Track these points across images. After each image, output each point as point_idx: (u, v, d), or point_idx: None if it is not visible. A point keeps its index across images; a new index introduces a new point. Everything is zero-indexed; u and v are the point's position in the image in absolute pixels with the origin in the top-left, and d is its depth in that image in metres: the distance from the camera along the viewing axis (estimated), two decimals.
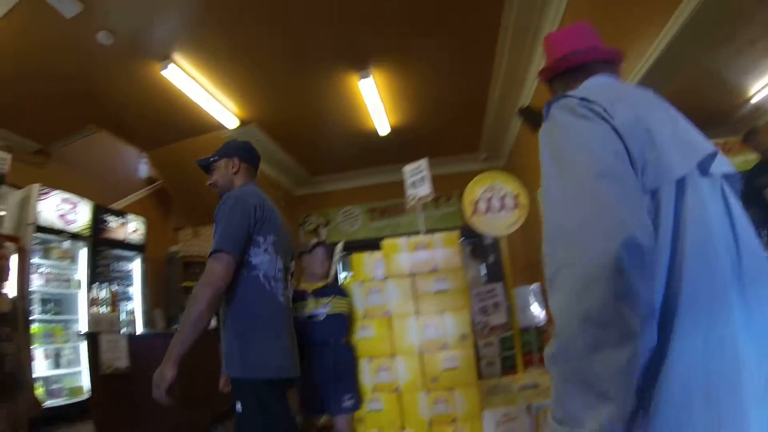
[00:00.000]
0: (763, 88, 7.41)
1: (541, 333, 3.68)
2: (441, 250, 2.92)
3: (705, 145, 0.96)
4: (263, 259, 2.02)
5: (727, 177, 0.97)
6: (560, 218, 0.87)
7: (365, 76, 5.45)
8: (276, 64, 5.27)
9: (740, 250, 0.87)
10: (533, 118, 5.18)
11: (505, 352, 3.62)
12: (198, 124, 6.31)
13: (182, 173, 7.22)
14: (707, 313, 0.79)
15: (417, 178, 3.47)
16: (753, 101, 7.94)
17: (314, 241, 3.04)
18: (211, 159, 2.30)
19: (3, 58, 4.63)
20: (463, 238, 4.04)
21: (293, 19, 4.54)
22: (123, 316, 4.92)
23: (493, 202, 3.34)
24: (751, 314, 0.82)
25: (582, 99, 0.96)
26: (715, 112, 8.61)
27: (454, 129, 7.27)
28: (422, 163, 3.47)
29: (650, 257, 0.79)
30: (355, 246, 8.48)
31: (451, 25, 4.85)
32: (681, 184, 0.87)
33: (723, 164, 0.96)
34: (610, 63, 1.28)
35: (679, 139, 0.94)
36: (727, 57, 6.24)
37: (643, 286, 0.76)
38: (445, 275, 2.86)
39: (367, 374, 2.86)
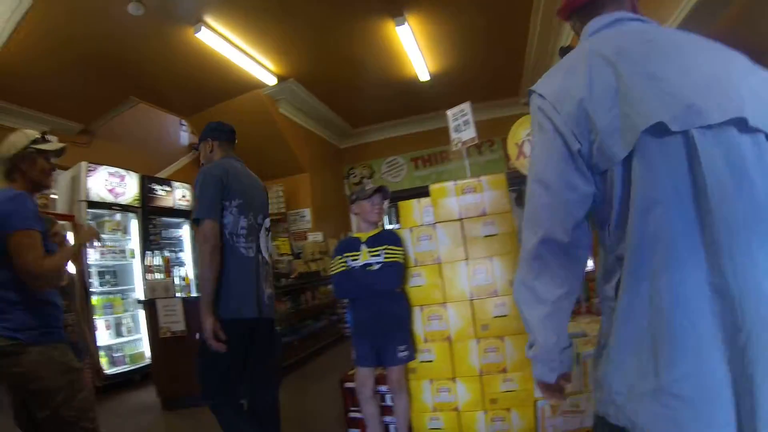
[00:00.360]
0: None
1: (588, 281, 3.56)
2: (489, 192, 2.81)
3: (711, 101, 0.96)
4: (229, 219, 2.45)
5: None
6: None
7: (401, 23, 5.29)
8: (309, 15, 5.14)
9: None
10: None
11: None
12: (236, 85, 6.30)
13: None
14: (648, 265, 0.93)
15: (461, 122, 3.35)
16: None
17: (371, 186, 2.96)
18: (195, 146, 2.73)
19: (39, 45, 4.70)
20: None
21: None
22: (177, 281, 5.05)
23: None
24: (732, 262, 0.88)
25: (539, 96, 1.11)
26: None
27: (493, 73, 7.02)
28: (465, 107, 3.34)
29: (573, 247, 1.06)
30: (401, 196, 8.61)
31: None
32: (631, 155, 0.97)
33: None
34: None
35: (662, 97, 0.96)
36: None
37: (559, 267, 1.07)
38: (493, 219, 2.77)
39: (419, 323, 2.83)
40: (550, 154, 1.07)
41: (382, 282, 2.74)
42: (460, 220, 2.83)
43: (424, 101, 7.65)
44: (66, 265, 2.09)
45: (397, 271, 2.76)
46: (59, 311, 2.11)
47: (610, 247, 1.05)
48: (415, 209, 2.97)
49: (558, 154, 1.05)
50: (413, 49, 5.90)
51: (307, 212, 7.84)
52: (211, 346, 2.23)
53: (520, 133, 3.20)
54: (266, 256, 2.64)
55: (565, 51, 5.13)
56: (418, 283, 2.85)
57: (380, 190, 2.93)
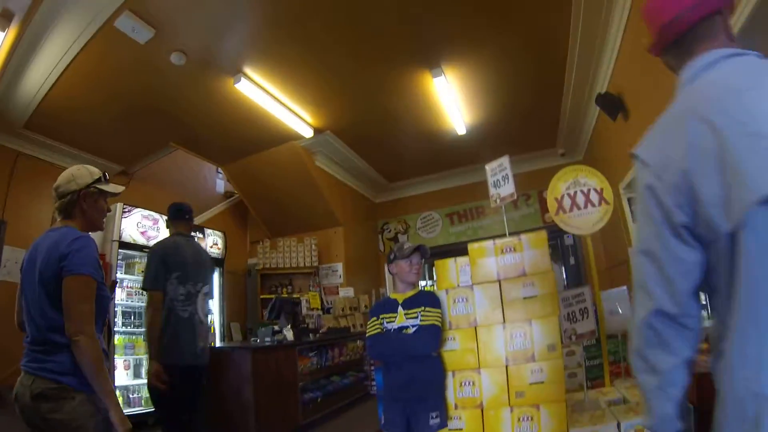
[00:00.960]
0: None
1: (627, 341, 3.33)
2: (529, 251, 2.67)
3: None
4: (170, 287, 3.21)
5: None
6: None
7: (438, 74, 5.29)
8: (346, 68, 5.22)
9: None
10: (612, 105, 4.86)
11: (588, 362, 3.30)
12: (272, 135, 6.41)
13: (258, 185, 7.38)
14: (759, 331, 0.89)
15: (499, 177, 3.25)
16: None
17: (410, 245, 2.87)
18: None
19: (85, 87, 4.88)
20: None
21: (360, 21, 4.48)
22: None
23: (578, 199, 3.05)
24: None
25: (641, 163, 1.10)
26: None
27: (529, 125, 6.97)
28: (504, 161, 3.25)
29: (682, 317, 1.05)
30: (436, 252, 8.45)
31: (520, 18, 4.63)
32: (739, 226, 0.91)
33: None
34: (723, 12, 1.13)
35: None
36: None
37: (672, 337, 1.06)
38: (533, 280, 2.61)
39: (451, 389, 2.65)
40: (654, 226, 1.06)
41: (418, 346, 2.61)
42: (499, 281, 2.68)
43: (460, 155, 7.62)
44: (95, 374, 1.84)
45: (434, 335, 2.62)
46: (105, 358, 1.96)
47: (721, 315, 1.02)
48: (452, 269, 2.84)
49: (662, 225, 1.04)
50: (450, 101, 5.90)
51: (340, 266, 7.76)
52: (156, 386, 3.02)
53: (560, 186, 3.07)
54: (202, 316, 3.37)
55: (602, 98, 5.06)
56: (452, 347, 2.68)
57: (419, 249, 2.84)
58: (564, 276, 7.00)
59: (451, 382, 2.65)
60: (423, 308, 2.66)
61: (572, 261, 7.03)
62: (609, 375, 3.14)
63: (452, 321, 2.72)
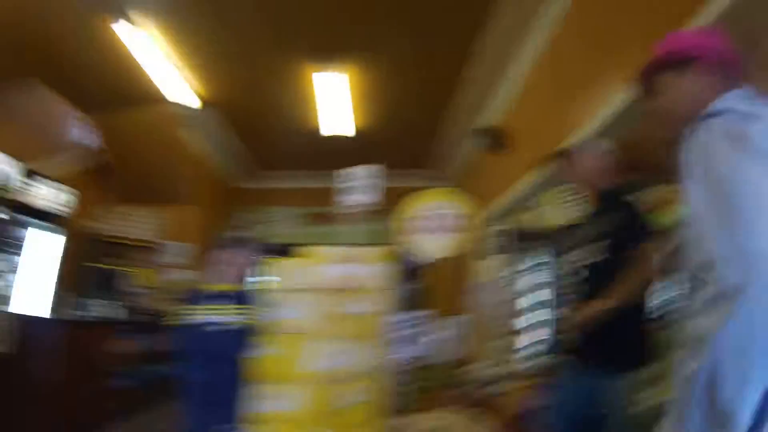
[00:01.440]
0: None
1: (452, 368, 3.35)
2: (370, 266, 2.53)
3: None
4: None
5: None
6: None
7: (333, 71, 5.13)
8: (245, 45, 4.83)
9: None
10: (492, 137, 4.98)
11: (416, 385, 3.24)
12: (146, 94, 5.65)
13: (122, 145, 6.51)
14: None
15: (366, 184, 3.08)
16: None
17: (242, 235, 2.60)
18: None
19: None
20: None
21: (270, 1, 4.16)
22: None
23: (433, 222, 2.97)
24: None
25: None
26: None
27: (406, 142, 6.96)
28: (376, 169, 3.09)
29: None
30: (282, 251, 7.96)
31: (427, 34, 4.58)
32: None
33: None
34: None
35: None
36: None
37: None
38: (368, 296, 2.47)
39: (260, 399, 2.40)
40: None
41: (227, 346, 2.37)
42: (333, 290, 2.49)
43: (332, 157, 7.39)
44: None
45: (246, 336, 2.36)
46: None
47: None
48: (286, 270, 2.62)
49: None
50: (337, 101, 5.73)
51: (186, 247, 7.14)
52: None
53: (417, 207, 2.98)
54: None
55: (483, 130, 5.16)
56: (269, 353, 2.44)
57: (249, 240, 2.58)
58: (404, 297, 7.07)
59: (258, 393, 2.40)
60: (240, 306, 2.44)
61: (415, 284, 7.16)
62: (432, 400, 3.10)
63: (273, 325, 2.48)
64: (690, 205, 1.07)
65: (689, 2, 2.24)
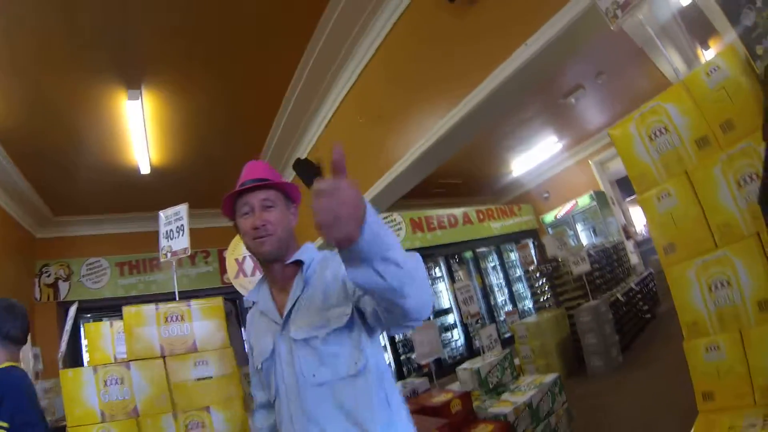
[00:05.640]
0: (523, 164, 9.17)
1: None
2: (200, 322, 2.23)
3: None
4: None
5: None
6: None
7: (135, 97, 4.43)
8: (32, 60, 3.92)
9: None
10: (310, 171, 4.88)
11: None
12: None
13: None
14: None
15: (174, 228, 2.75)
16: (513, 174, 9.51)
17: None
18: None
19: None
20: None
21: (71, 7, 3.44)
22: None
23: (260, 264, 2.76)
24: None
25: None
26: (486, 183, 9.92)
27: (218, 177, 6.45)
28: (181, 210, 2.78)
29: None
30: (102, 306, 6.81)
31: (242, 62, 4.32)
32: None
33: None
34: None
35: None
36: (502, 134, 7.13)
37: None
38: (207, 357, 2.17)
39: None
40: None
41: None
42: (163, 357, 2.15)
43: (141, 197, 6.57)
44: None
45: None
46: None
47: None
48: (106, 336, 2.20)
49: None
50: (140, 131, 5.04)
51: None
52: None
53: (241, 248, 2.72)
54: None
55: (301, 164, 5.05)
56: None
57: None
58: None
59: None
60: None
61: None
62: None
63: (105, 411, 2.06)
64: None
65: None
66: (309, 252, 1.46)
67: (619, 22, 2.02)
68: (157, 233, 2.85)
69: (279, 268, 1.43)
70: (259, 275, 2.62)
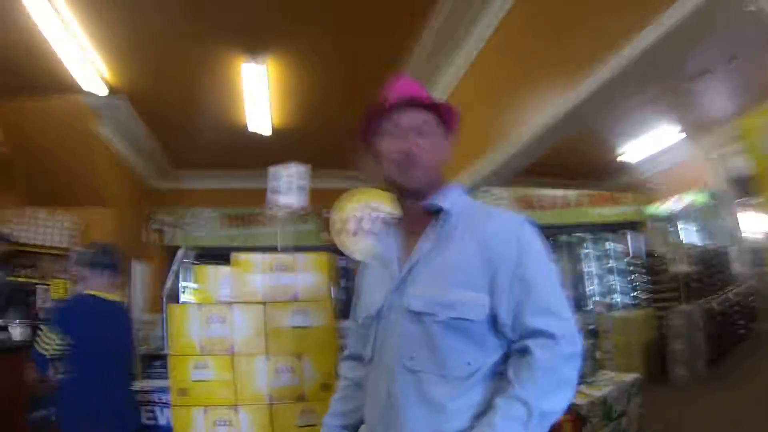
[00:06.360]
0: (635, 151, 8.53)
1: None
2: (304, 274, 2.41)
3: None
4: None
5: None
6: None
7: (258, 63, 4.70)
8: (164, 26, 4.28)
9: None
10: None
11: None
12: (54, 80, 4.86)
13: (27, 139, 5.66)
14: None
15: (294, 186, 2.91)
16: (620, 159, 8.97)
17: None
18: None
19: None
20: None
21: None
22: None
23: (365, 222, 2.86)
24: None
25: None
26: (592, 167, 9.48)
27: (326, 142, 6.61)
28: (303, 170, 2.93)
29: None
30: (204, 255, 7.39)
31: (365, 27, 4.39)
32: None
33: None
34: None
35: None
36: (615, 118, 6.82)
37: None
38: (307, 307, 2.35)
39: (202, 428, 2.24)
40: None
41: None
42: (264, 303, 2.35)
43: (256, 156, 6.98)
44: None
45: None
46: None
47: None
48: (211, 278, 2.42)
49: None
50: (261, 96, 5.34)
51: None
52: None
53: (348, 207, 2.84)
54: None
55: None
56: (204, 377, 2.28)
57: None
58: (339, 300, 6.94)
59: (201, 421, 2.24)
60: None
61: (343, 284, 7.07)
62: None
63: (204, 344, 2.32)
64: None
65: None
66: (453, 196, 1.19)
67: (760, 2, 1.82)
68: (259, 190, 3.02)
69: (414, 208, 1.19)
70: (361, 235, 2.73)
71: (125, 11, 4.07)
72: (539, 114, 3.36)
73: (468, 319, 1.04)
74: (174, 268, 2.63)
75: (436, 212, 1.16)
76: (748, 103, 6.78)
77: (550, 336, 1.00)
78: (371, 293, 1.23)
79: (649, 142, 8.22)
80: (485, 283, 1.05)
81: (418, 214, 1.18)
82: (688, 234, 8.84)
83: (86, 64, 4.68)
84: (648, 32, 2.40)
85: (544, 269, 1.09)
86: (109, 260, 2.66)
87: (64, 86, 4.97)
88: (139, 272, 6.67)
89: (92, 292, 2.58)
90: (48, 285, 5.55)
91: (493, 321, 1.05)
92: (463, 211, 1.16)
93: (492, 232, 1.09)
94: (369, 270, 1.30)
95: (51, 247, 6.01)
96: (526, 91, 3.57)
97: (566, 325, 1.03)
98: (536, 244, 1.11)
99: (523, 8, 3.54)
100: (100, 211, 6.39)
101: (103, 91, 5.14)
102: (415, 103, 1.17)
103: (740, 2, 1.91)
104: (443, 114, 1.20)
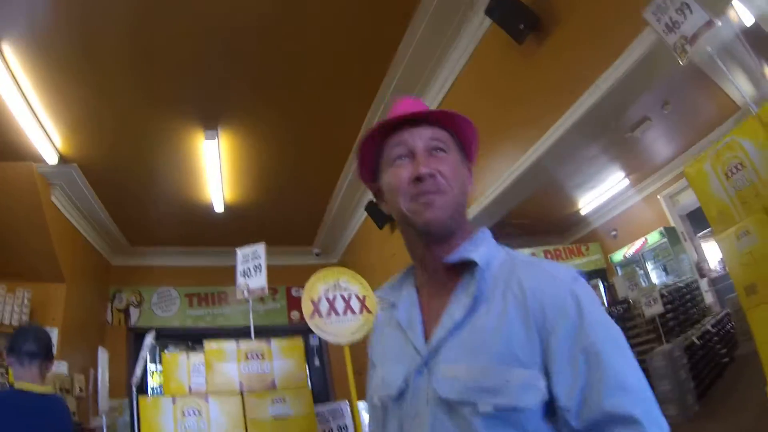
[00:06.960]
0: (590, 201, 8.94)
1: None
2: (280, 361, 2.32)
3: None
4: None
5: None
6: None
7: (211, 137, 4.74)
8: (119, 98, 4.31)
9: None
10: (382, 213, 5.01)
11: None
12: (4, 144, 4.68)
13: None
14: None
15: (251, 266, 2.92)
16: (580, 213, 9.32)
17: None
18: None
19: None
20: None
21: (154, 55, 3.82)
22: None
23: (338, 304, 2.79)
24: None
25: None
26: (553, 222, 9.77)
27: (289, 217, 6.72)
28: (259, 249, 2.95)
29: None
30: (169, 335, 7.03)
31: (319, 106, 4.54)
32: None
33: None
34: None
35: None
36: (569, 172, 7.16)
37: None
38: (285, 395, 2.25)
39: None
40: None
41: None
42: (241, 393, 2.24)
43: (213, 233, 6.89)
44: None
45: None
46: None
47: None
48: (182, 367, 2.31)
49: None
50: (215, 170, 5.34)
51: (55, 333, 5.88)
52: None
53: (318, 288, 2.78)
54: None
55: (373, 206, 5.17)
56: None
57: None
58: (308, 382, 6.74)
59: None
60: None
61: (317, 363, 6.88)
62: None
63: None
64: None
65: None
66: (488, 245, 0.93)
67: (689, 56, 1.98)
68: (225, 268, 3.02)
69: (437, 259, 0.91)
70: (335, 317, 2.63)
71: (81, 83, 4.10)
72: (497, 177, 3.47)
73: (519, 408, 0.77)
74: (143, 353, 2.48)
75: (465, 264, 0.88)
76: (686, 143, 7.27)
77: (633, 422, 0.73)
78: (389, 365, 0.95)
79: (602, 192, 8.60)
80: (536, 358, 0.79)
81: (442, 268, 0.91)
82: (658, 274, 9.05)
83: (39, 132, 4.59)
84: (592, 90, 2.55)
85: (612, 335, 0.82)
86: (34, 348, 2.19)
87: (16, 154, 4.81)
88: (103, 358, 6.25)
89: (21, 386, 2.14)
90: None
91: (547, 406, 0.79)
92: (497, 258, 0.90)
93: (540, 292, 0.83)
94: (383, 334, 1.02)
95: (1, 325, 5.44)
96: (481, 154, 3.68)
97: (651, 407, 0.76)
98: (597, 303, 0.85)
99: (470, 77, 3.72)
100: (55, 285, 6.00)
101: (53, 160, 4.99)
102: (426, 117, 0.93)
103: (673, 58, 2.02)
104: (463, 129, 0.97)
